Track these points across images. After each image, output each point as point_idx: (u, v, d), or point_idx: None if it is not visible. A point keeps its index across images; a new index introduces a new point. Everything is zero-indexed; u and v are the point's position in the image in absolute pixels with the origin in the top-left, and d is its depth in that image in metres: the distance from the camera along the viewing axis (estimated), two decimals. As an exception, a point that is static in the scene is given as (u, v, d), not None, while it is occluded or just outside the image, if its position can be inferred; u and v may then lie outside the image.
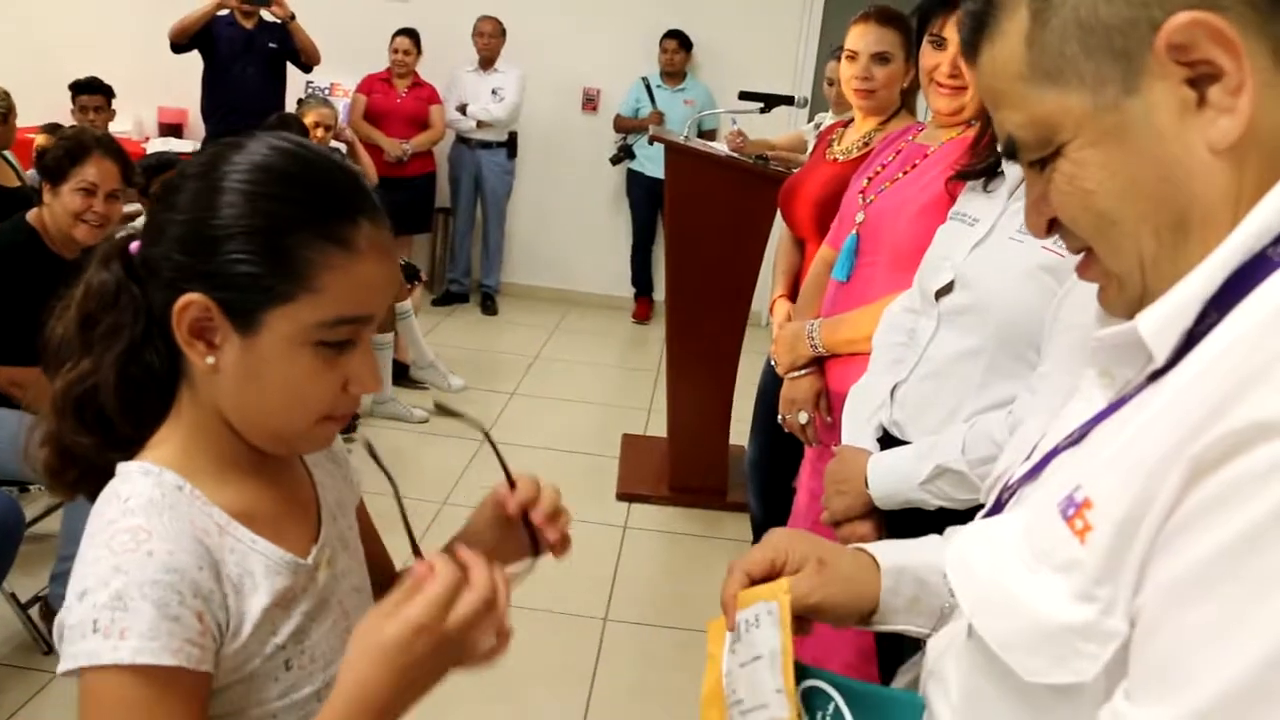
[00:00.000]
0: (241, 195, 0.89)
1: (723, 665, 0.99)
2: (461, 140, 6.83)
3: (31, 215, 2.88)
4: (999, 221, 1.57)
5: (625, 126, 6.96)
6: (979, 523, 0.87)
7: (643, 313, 7.26)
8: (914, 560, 1.04)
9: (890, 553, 1.04)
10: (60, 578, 2.83)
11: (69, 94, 5.31)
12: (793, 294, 2.94)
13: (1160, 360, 0.73)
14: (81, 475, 0.96)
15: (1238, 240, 0.70)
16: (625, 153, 6.98)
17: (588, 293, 7.46)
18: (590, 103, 7.27)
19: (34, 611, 2.93)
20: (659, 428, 4.73)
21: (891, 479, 1.61)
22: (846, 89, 2.71)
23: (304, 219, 0.89)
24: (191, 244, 0.90)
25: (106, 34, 6.76)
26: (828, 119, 4.60)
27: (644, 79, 6.89)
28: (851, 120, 2.89)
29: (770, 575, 1.01)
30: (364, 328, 0.93)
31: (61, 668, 0.85)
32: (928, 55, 2.07)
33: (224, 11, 5.58)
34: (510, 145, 6.96)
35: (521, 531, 1.09)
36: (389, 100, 6.49)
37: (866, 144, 2.71)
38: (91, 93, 5.30)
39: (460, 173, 6.91)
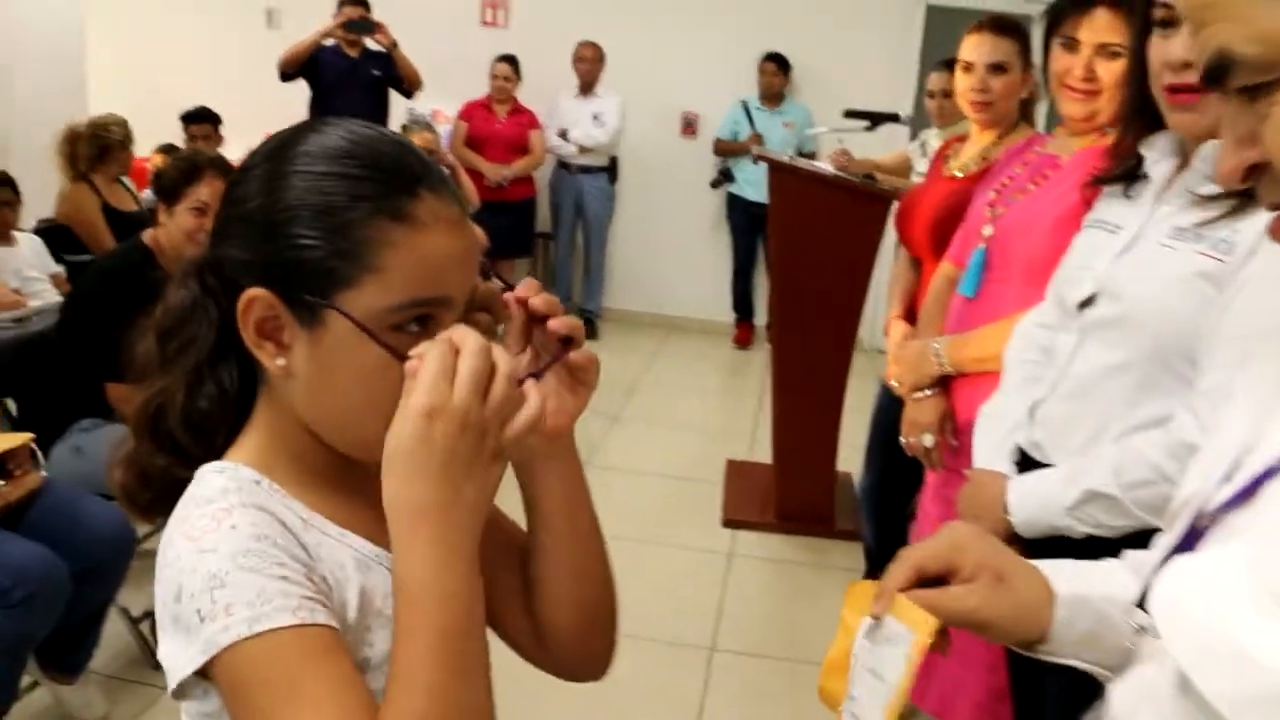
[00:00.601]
0: (304, 176, 0.84)
1: (855, 645, 0.91)
2: (562, 165, 6.86)
3: (147, 235, 2.94)
4: (1145, 228, 1.46)
5: (725, 150, 6.92)
6: (1186, 559, 0.76)
7: (744, 338, 7.17)
8: (1094, 591, 0.93)
9: (1067, 579, 0.94)
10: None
11: (180, 124, 5.46)
12: (909, 315, 2.86)
13: None
14: (156, 498, 0.91)
15: None
16: (725, 176, 6.94)
17: (688, 317, 7.40)
18: (689, 127, 7.24)
19: (145, 626, 2.95)
20: (763, 454, 4.64)
21: (1034, 504, 1.50)
22: (962, 101, 2.62)
23: (360, 194, 0.83)
24: (252, 235, 0.85)
25: (215, 64, 6.95)
26: (932, 137, 4.48)
27: (743, 102, 6.85)
28: (966, 135, 2.80)
29: (941, 576, 0.92)
30: (441, 312, 0.84)
31: (174, 680, 0.79)
32: (1059, 58, 1.97)
33: (330, 41, 5.68)
34: (611, 170, 6.96)
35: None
36: (489, 126, 6.55)
37: (985, 158, 2.61)
38: (200, 122, 5.45)
39: (561, 198, 6.94)
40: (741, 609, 3.53)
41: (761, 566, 3.89)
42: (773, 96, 6.82)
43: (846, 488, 4.34)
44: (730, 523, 4.16)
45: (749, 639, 3.33)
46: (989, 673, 2.09)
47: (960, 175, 2.65)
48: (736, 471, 4.64)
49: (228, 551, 0.78)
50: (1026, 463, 1.61)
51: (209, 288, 0.89)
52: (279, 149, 0.86)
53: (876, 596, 0.90)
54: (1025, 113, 2.63)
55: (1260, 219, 1.26)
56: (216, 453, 0.90)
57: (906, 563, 0.92)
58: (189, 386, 0.89)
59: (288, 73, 5.64)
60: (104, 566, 2.52)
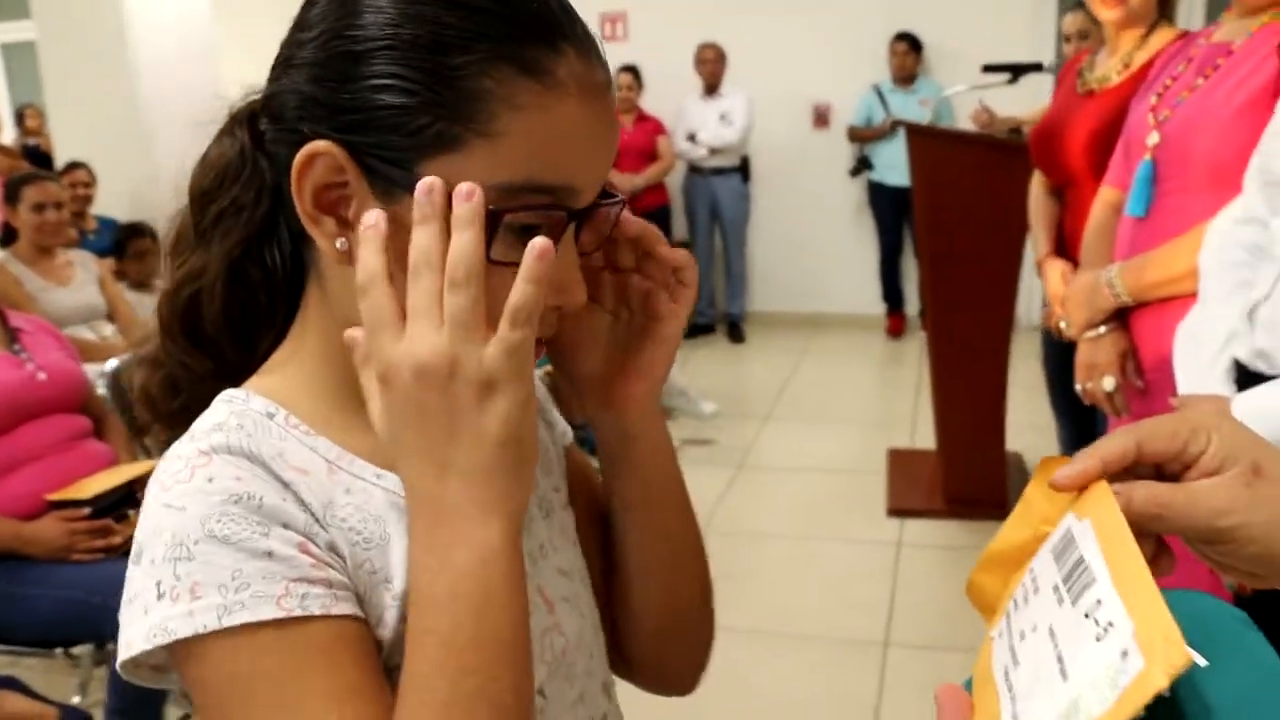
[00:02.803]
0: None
1: (1036, 554, 0.65)
2: (694, 170, 6.73)
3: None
4: (1368, 69, 1.21)
5: (860, 137, 6.68)
6: None
7: (896, 327, 6.87)
8: None
9: None
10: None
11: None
12: (1061, 251, 2.57)
13: None
14: (183, 408, 0.72)
15: None
16: (863, 164, 6.69)
17: (837, 313, 7.13)
18: (821, 118, 7.01)
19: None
20: (925, 441, 4.37)
21: (1268, 423, 1.21)
22: (1093, 4, 2.37)
23: (479, 32, 0.61)
24: (323, 68, 0.63)
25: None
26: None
27: (875, 86, 6.59)
28: (1098, 47, 2.54)
29: (1170, 463, 0.66)
30: (562, 207, 0.64)
31: (120, 658, 0.61)
32: (1224, -72, 1.72)
33: None
34: (744, 169, 6.79)
35: None
36: (617, 137, 6.47)
37: (1127, 65, 2.36)
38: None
39: (696, 202, 6.80)
40: (914, 601, 3.28)
41: (932, 555, 3.64)
42: (905, 78, 6.54)
43: (1017, 467, 4.05)
44: (896, 512, 3.92)
45: (924, 632, 3.08)
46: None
47: (1099, 87, 2.40)
48: (899, 460, 4.39)
49: (197, 513, 0.60)
50: (1247, 381, 1.34)
51: (263, 141, 0.69)
52: None
53: (1068, 471, 0.64)
54: (1165, 12, 2.37)
55: None
56: (258, 361, 0.72)
57: (1125, 436, 0.66)
58: (230, 269, 0.70)
59: None
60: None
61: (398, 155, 0.62)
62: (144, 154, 5.47)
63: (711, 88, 6.62)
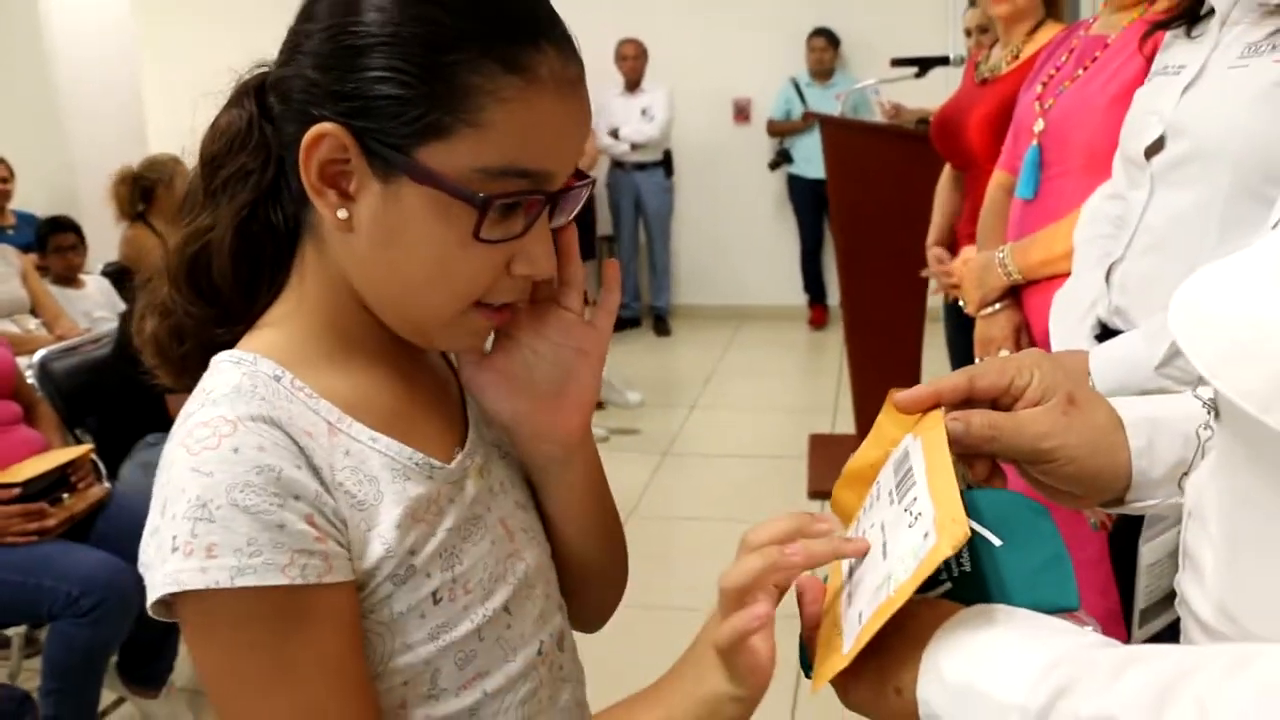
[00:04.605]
0: None
1: (883, 467, 0.77)
2: (617, 164, 6.81)
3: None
4: (1210, 58, 1.33)
5: (779, 130, 6.82)
6: (1215, 263, 0.64)
7: (818, 319, 7.03)
8: (1176, 412, 0.80)
9: (1136, 405, 0.81)
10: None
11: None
12: (949, 245, 2.81)
13: None
14: (188, 355, 0.79)
15: None
16: (783, 157, 6.83)
17: (760, 305, 7.27)
18: (741, 112, 7.14)
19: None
20: (846, 427, 4.52)
21: (1120, 370, 1.35)
22: (984, 1, 2.55)
23: (470, 33, 0.69)
24: (327, 58, 0.70)
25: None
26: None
27: (793, 80, 6.74)
28: (996, 42, 2.72)
29: (1001, 397, 0.79)
30: (537, 190, 0.72)
31: (149, 601, 0.68)
32: (1098, -72, 1.85)
33: None
34: (666, 164, 6.90)
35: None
36: (540, 133, 6.52)
37: (1016, 56, 2.55)
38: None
39: (620, 197, 6.88)
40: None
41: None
42: (823, 72, 6.70)
43: (933, 449, 4.20)
44: (816, 494, 4.03)
45: (843, 605, 3.20)
46: (1100, 596, 1.94)
47: (991, 76, 2.59)
48: (820, 444, 4.51)
49: (224, 480, 0.66)
50: (1109, 337, 1.47)
51: (269, 111, 0.76)
52: None
53: (909, 394, 0.77)
54: (1051, 8, 2.56)
55: None
56: (253, 311, 0.79)
57: (960, 374, 0.78)
58: (239, 227, 0.76)
59: None
60: (176, 575, 2.50)
61: (395, 140, 0.69)
62: (60, 148, 5.43)
63: (633, 84, 6.71)
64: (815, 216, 6.80)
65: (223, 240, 0.76)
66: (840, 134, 3.79)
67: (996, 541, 0.65)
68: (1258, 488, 0.59)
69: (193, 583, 0.65)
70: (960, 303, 2.19)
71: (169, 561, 0.66)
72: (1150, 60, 1.56)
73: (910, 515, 0.66)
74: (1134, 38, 1.82)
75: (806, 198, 6.76)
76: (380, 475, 0.75)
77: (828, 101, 6.50)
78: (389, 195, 0.71)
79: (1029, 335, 2.03)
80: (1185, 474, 0.78)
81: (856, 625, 0.65)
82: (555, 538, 0.90)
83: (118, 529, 2.45)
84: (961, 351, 2.74)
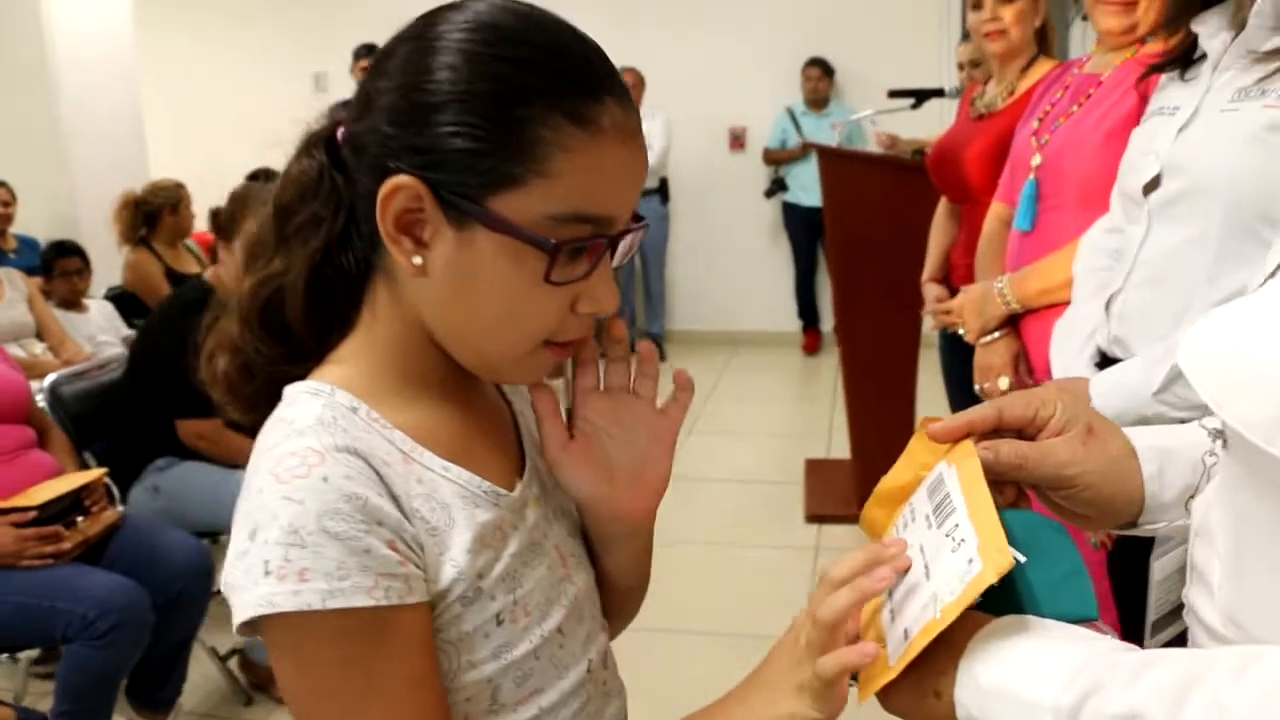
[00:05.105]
0: (462, 56, 0.74)
1: (916, 492, 0.82)
2: (613, 191, 6.86)
3: (208, 274, 3.00)
4: (1205, 100, 1.39)
5: (775, 159, 6.90)
6: (1223, 308, 0.71)
7: (812, 344, 7.09)
8: (1183, 441, 0.86)
9: (1147, 435, 0.87)
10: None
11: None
12: (945, 275, 2.89)
13: None
14: (258, 391, 0.83)
15: None
16: (778, 185, 6.90)
17: (754, 330, 7.33)
18: (737, 140, 7.22)
19: (233, 663, 2.97)
20: (841, 452, 4.56)
21: (1119, 395, 1.41)
22: (978, 38, 2.66)
23: (537, 88, 0.73)
24: (402, 114, 0.74)
25: (267, 130, 7.11)
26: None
27: (789, 109, 6.82)
28: (990, 78, 2.80)
29: (1026, 428, 0.85)
30: (601, 234, 0.76)
31: (237, 619, 0.72)
32: (1093, -26, 1.92)
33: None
34: (662, 191, 6.96)
35: None
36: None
37: (1011, 93, 2.62)
38: (270, 179, 5.56)
39: (615, 224, 6.93)
40: (831, 600, 3.45)
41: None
42: (818, 101, 6.79)
43: (929, 474, 4.25)
44: (814, 518, 4.08)
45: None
46: (1101, 611, 1.99)
47: (987, 112, 2.65)
48: (815, 469, 4.56)
49: (315, 509, 0.70)
50: (1108, 365, 1.53)
51: (340, 162, 0.80)
52: (430, 23, 0.77)
53: (943, 425, 0.82)
54: (1044, 45, 2.64)
55: None
56: (323, 349, 0.83)
57: (989, 405, 0.84)
58: (312, 271, 0.80)
59: None
60: (185, 597, 2.54)
61: (469, 191, 0.74)
62: (62, 172, 5.47)
63: (631, 111, 6.78)
64: (809, 244, 6.88)
65: (296, 283, 0.81)
66: (838, 164, 3.86)
67: (1022, 558, 0.70)
68: (1261, 508, 0.65)
69: (286, 605, 0.69)
70: (960, 331, 2.25)
71: (261, 584, 0.69)
72: (1145, 99, 1.63)
73: (953, 541, 0.71)
74: (1126, 76, 1.89)
75: (801, 225, 6.84)
76: (451, 502, 0.79)
77: (823, 130, 6.58)
78: (462, 242, 0.75)
79: (1027, 363, 2.09)
80: (1192, 497, 0.83)
81: (903, 640, 0.70)
82: (599, 570, 0.95)
83: (130, 552, 2.48)
84: (957, 378, 2.80)
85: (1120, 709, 0.60)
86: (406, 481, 0.77)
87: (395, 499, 0.75)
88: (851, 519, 4.05)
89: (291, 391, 0.80)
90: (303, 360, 0.83)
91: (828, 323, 6.99)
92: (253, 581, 0.70)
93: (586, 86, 0.75)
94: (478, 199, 0.74)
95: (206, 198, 5.24)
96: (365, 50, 5.75)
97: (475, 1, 0.77)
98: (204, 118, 7.37)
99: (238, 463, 2.90)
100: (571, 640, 0.87)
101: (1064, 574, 0.73)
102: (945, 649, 0.69)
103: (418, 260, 0.76)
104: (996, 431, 0.84)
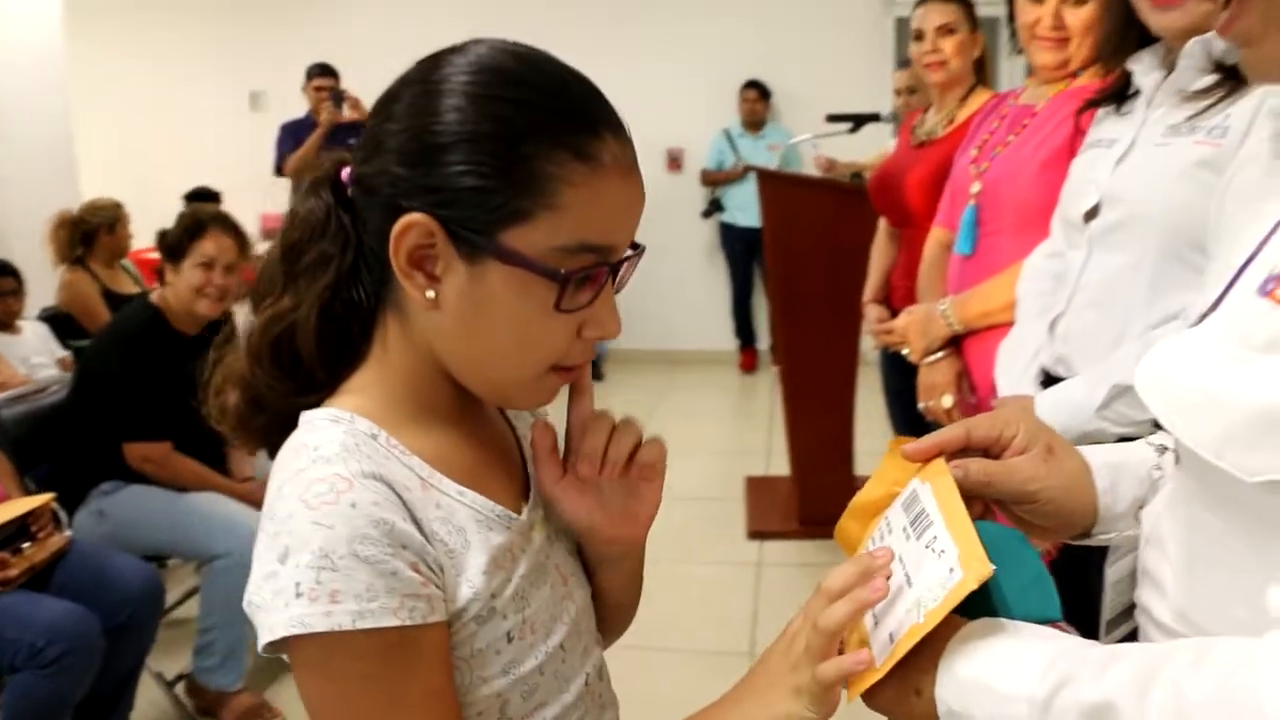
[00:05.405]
0: (467, 98, 0.77)
1: (891, 506, 0.88)
2: (552, 212, 6.89)
3: (154, 296, 2.97)
4: (1140, 134, 1.48)
5: (712, 180, 6.99)
6: (1173, 338, 0.78)
7: (749, 363, 7.19)
8: (1132, 458, 0.93)
9: (1100, 452, 0.94)
10: (204, 650, 2.84)
11: (183, 205, 5.57)
12: (885, 296, 2.99)
13: None
14: (269, 423, 0.86)
15: None
16: (715, 206, 7.00)
17: (692, 349, 7.42)
18: (675, 162, 7.31)
19: (179, 689, 2.95)
20: (780, 468, 4.65)
21: (1063, 412, 1.50)
22: (919, 68, 2.77)
23: (540, 126, 0.77)
24: (412, 155, 0.78)
25: (202, 149, 7.06)
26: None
27: (725, 131, 6.92)
28: (930, 105, 2.91)
29: (991, 447, 0.91)
30: (604, 263, 0.80)
31: (263, 640, 0.75)
32: (1026, 11, 2.03)
33: (303, 113, 5.67)
34: (600, 211, 7.00)
35: None
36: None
37: (951, 121, 2.73)
38: (203, 201, 5.55)
39: (554, 244, 6.96)
40: (776, 614, 3.50)
41: (791, 572, 3.88)
42: (755, 123, 6.91)
43: (867, 490, 4.35)
44: (755, 534, 4.15)
45: (787, 642, 3.31)
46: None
47: (927, 139, 2.76)
48: (756, 486, 4.63)
49: (345, 534, 0.73)
50: (1051, 383, 1.61)
51: (346, 201, 0.84)
52: (433, 67, 0.80)
53: (916, 445, 0.88)
54: (981, 76, 2.76)
55: (1250, 101, 1.28)
56: (335, 380, 0.86)
57: (958, 426, 0.90)
58: (323, 308, 0.83)
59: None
60: (134, 622, 2.51)
61: (479, 226, 0.77)
62: (-8, 193, 5.37)
63: (569, 133, 6.83)
64: (746, 263, 6.99)
65: (307, 319, 0.83)
66: (779, 187, 3.94)
67: (992, 566, 0.75)
68: (1211, 516, 0.72)
69: (318, 625, 0.72)
70: (905, 351, 2.32)
71: (293, 605, 0.72)
72: (1080, 131, 1.72)
73: (933, 552, 0.77)
74: (1060, 108, 1.98)
75: (738, 245, 6.94)
76: (467, 526, 0.83)
77: (759, 152, 6.70)
78: (474, 275, 0.78)
79: (969, 381, 2.17)
80: (1141, 507, 0.90)
81: (888, 643, 0.76)
82: (595, 586, 1.00)
83: (78, 577, 2.45)
84: (898, 395, 2.89)
85: (1090, 698, 0.67)
86: (425, 506, 0.80)
87: (417, 523, 0.78)
88: (791, 534, 4.14)
89: (310, 418, 0.83)
90: (313, 392, 0.86)
91: (763, 342, 7.11)
92: (283, 603, 0.73)
93: (586, 123, 0.79)
94: (489, 233, 0.77)
95: (141, 215, 5.21)
96: (318, 69, 5.69)
97: (475, 45, 0.81)
98: (137, 135, 7.28)
99: (186, 486, 2.89)
100: (572, 655, 0.91)
101: (1030, 579, 0.79)
102: (926, 650, 0.75)
103: (430, 294, 0.79)
104: (964, 451, 0.90)
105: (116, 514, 2.84)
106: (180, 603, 3.24)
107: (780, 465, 4.68)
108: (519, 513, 0.89)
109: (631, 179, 0.82)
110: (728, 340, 7.28)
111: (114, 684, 2.52)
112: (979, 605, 0.76)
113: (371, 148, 0.81)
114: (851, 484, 4.14)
